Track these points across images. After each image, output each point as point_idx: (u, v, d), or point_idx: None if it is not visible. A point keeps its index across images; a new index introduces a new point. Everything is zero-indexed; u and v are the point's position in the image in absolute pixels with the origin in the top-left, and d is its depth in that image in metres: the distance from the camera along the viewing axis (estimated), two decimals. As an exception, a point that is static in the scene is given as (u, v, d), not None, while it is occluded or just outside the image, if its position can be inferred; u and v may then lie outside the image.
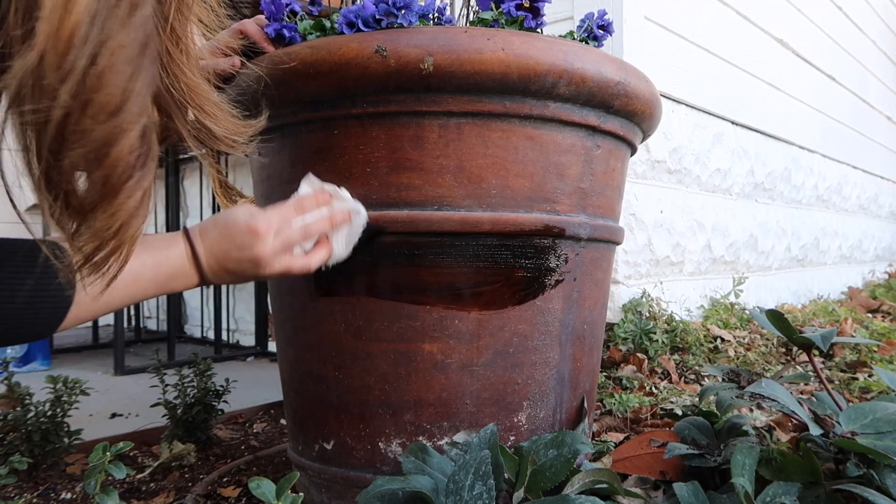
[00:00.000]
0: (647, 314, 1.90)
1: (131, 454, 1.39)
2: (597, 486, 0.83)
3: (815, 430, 0.88)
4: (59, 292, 0.70)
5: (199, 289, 3.12)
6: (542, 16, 0.96)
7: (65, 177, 0.54)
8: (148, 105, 0.55)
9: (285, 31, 0.92)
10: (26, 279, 0.69)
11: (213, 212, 2.88)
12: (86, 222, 0.57)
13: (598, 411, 1.40)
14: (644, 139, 1.09)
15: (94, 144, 0.52)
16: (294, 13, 0.95)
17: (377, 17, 0.87)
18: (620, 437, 1.23)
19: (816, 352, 1.02)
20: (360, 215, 0.87)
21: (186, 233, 0.82)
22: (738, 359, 1.82)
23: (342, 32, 0.88)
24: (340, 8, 0.92)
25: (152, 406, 1.39)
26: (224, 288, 2.89)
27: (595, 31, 1.03)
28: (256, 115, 0.92)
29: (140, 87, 0.53)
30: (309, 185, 0.88)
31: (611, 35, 1.05)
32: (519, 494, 0.77)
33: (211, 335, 3.00)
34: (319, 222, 0.85)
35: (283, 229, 0.83)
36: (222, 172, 2.64)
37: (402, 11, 0.87)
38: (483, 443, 0.82)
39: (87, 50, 0.48)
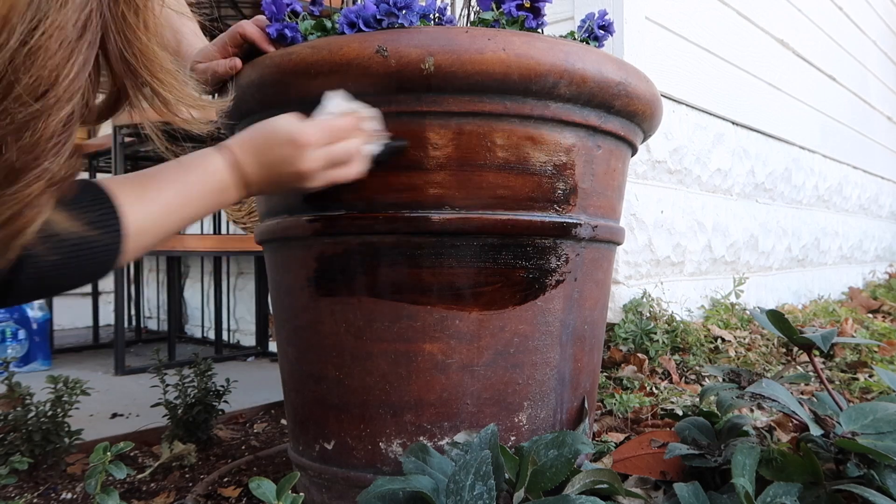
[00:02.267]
0: (648, 314, 1.90)
1: (132, 454, 1.40)
2: (597, 487, 0.83)
3: (815, 431, 0.88)
4: (113, 220, 0.70)
5: (199, 289, 3.12)
6: (543, 16, 0.96)
7: None
8: (79, 89, 0.53)
9: (287, 31, 0.92)
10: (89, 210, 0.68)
11: (214, 212, 2.88)
12: None
13: (599, 411, 1.40)
14: (645, 139, 1.09)
15: (11, 128, 0.49)
16: (295, 13, 0.95)
17: (378, 17, 0.87)
18: (621, 437, 1.23)
19: (817, 352, 1.02)
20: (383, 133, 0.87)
21: (227, 147, 0.81)
22: (738, 359, 1.82)
23: (343, 32, 0.88)
24: (342, 8, 0.92)
25: (153, 406, 1.39)
26: (225, 288, 2.89)
27: (596, 31, 1.03)
28: (258, 115, 0.92)
29: (72, 71, 0.51)
30: (336, 104, 0.86)
31: (611, 35, 1.05)
32: (519, 494, 0.77)
33: (211, 335, 3.00)
34: (357, 141, 0.85)
35: (327, 145, 0.82)
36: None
37: (404, 11, 0.87)
38: (484, 443, 0.82)
39: (21, 28, 0.46)
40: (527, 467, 0.79)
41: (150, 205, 0.74)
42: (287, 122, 0.82)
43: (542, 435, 0.88)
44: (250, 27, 0.94)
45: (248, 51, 0.95)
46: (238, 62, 0.94)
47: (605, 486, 0.83)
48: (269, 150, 0.81)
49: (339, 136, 0.84)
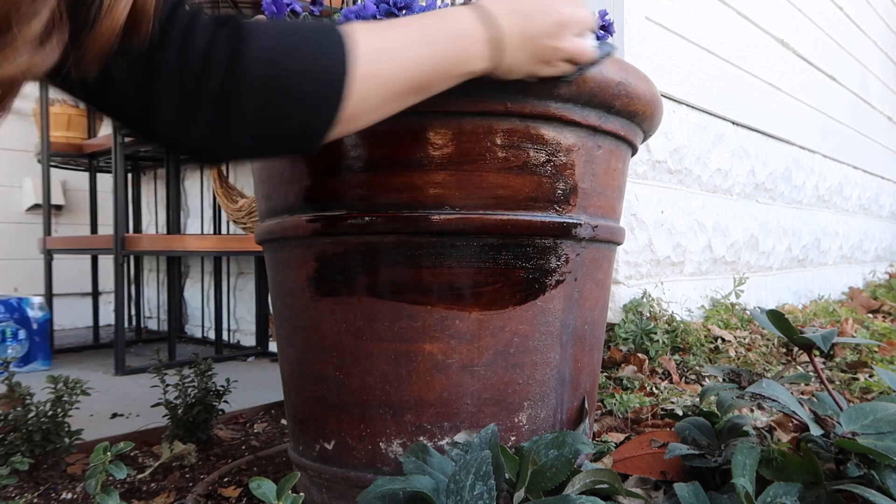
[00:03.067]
0: (648, 314, 1.90)
1: (132, 454, 1.40)
2: (598, 487, 0.83)
3: (815, 431, 0.88)
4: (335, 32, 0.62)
5: (199, 289, 3.12)
6: (543, 16, 0.96)
7: None
8: None
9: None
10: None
11: (214, 212, 2.88)
12: None
13: (599, 411, 1.40)
14: (645, 139, 1.09)
15: None
16: (295, 13, 0.95)
17: (378, 17, 0.87)
18: (621, 437, 1.23)
19: (817, 352, 1.02)
20: None
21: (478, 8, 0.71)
22: (738, 359, 1.82)
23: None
24: (342, 8, 0.92)
25: (153, 406, 1.39)
26: (225, 288, 2.89)
27: (596, 31, 1.03)
28: None
29: None
30: None
31: (612, 35, 1.05)
32: (520, 494, 0.77)
33: (212, 335, 3.00)
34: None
35: (578, 11, 0.76)
36: (223, 172, 2.64)
37: (403, 12, 0.87)
38: (484, 443, 0.82)
39: None
40: (527, 467, 0.79)
41: (388, 31, 0.65)
42: None
43: (543, 435, 0.88)
44: None
45: None
46: None
47: (606, 486, 0.83)
48: (535, 8, 0.72)
49: (580, 8, 0.76)
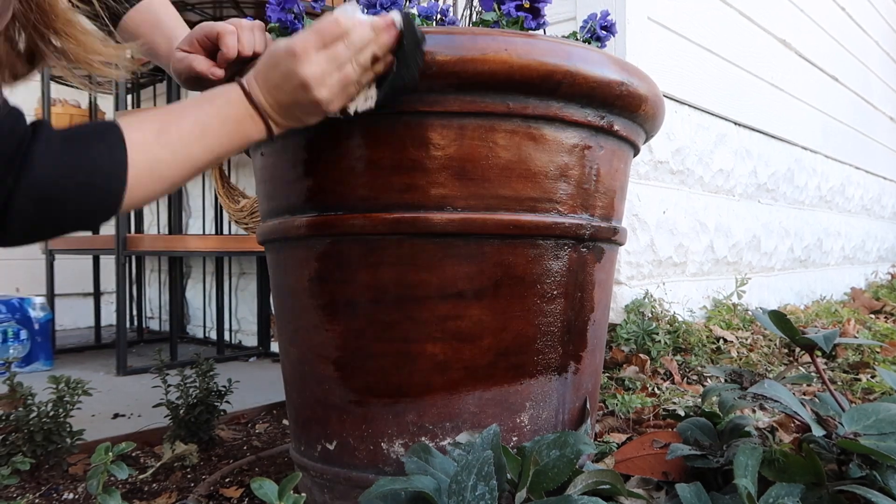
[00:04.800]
0: (650, 315, 1.90)
1: (133, 454, 1.40)
2: (600, 487, 0.83)
3: (817, 431, 0.88)
4: (114, 135, 0.70)
5: (201, 289, 3.12)
6: (543, 16, 0.96)
7: None
8: None
9: (289, 23, 0.93)
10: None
11: (216, 213, 2.88)
12: None
13: (601, 412, 1.40)
14: (647, 140, 1.09)
15: None
16: (296, 17, 0.95)
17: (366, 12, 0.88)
18: (623, 437, 1.23)
19: (819, 353, 1.02)
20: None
21: (242, 78, 0.80)
22: (740, 360, 1.82)
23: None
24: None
25: (155, 406, 1.39)
26: (227, 288, 2.89)
27: (598, 31, 1.03)
28: None
29: None
30: (341, 11, 0.80)
31: (613, 36, 1.05)
32: (521, 494, 0.77)
33: (213, 335, 3.00)
34: (369, 48, 0.80)
35: (325, 48, 0.78)
36: (225, 173, 2.64)
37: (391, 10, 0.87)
38: (486, 443, 0.82)
39: None
40: (529, 467, 0.79)
41: (166, 134, 0.73)
42: (283, 39, 0.80)
43: (545, 435, 0.88)
44: (224, 33, 0.89)
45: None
46: (221, 72, 0.90)
47: (608, 486, 0.83)
48: (272, 69, 0.79)
49: (336, 37, 0.78)
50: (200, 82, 0.92)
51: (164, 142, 0.73)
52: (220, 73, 0.90)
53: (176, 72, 0.95)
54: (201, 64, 0.91)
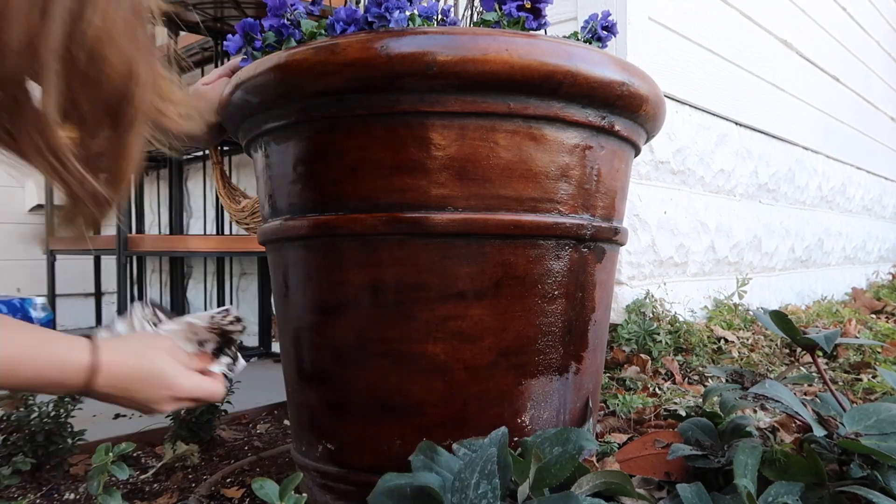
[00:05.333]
0: (651, 315, 1.90)
1: (134, 455, 1.40)
2: (610, 488, 0.82)
3: (818, 431, 0.88)
4: None
5: (202, 290, 3.12)
6: (544, 17, 0.96)
7: None
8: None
9: (283, 29, 0.93)
10: None
11: (217, 212, 2.89)
12: None
13: (602, 412, 1.40)
14: (648, 140, 1.09)
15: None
16: (294, 23, 0.95)
17: (369, 19, 0.88)
18: (624, 437, 1.23)
19: (820, 353, 1.02)
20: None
21: (98, 344, 0.75)
22: (741, 360, 1.82)
23: (344, 31, 0.88)
24: (344, 7, 0.92)
25: (156, 406, 1.39)
26: (228, 289, 2.90)
27: (599, 31, 1.03)
28: (259, 116, 0.92)
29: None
30: (146, 319, 0.84)
31: (615, 36, 1.05)
32: (524, 489, 0.77)
33: (214, 336, 3.00)
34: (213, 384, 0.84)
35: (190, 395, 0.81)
36: (226, 173, 2.65)
37: (397, 12, 0.87)
38: (493, 442, 0.82)
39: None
40: (530, 460, 0.79)
41: None
42: (166, 364, 0.79)
43: (545, 430, 0.87)
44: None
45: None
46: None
47: (616, 486, 0.82)
48: (139, 381, 0.77)
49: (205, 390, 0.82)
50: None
51: None
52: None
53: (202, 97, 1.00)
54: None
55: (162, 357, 0.79)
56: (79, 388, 0.73)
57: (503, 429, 0.83)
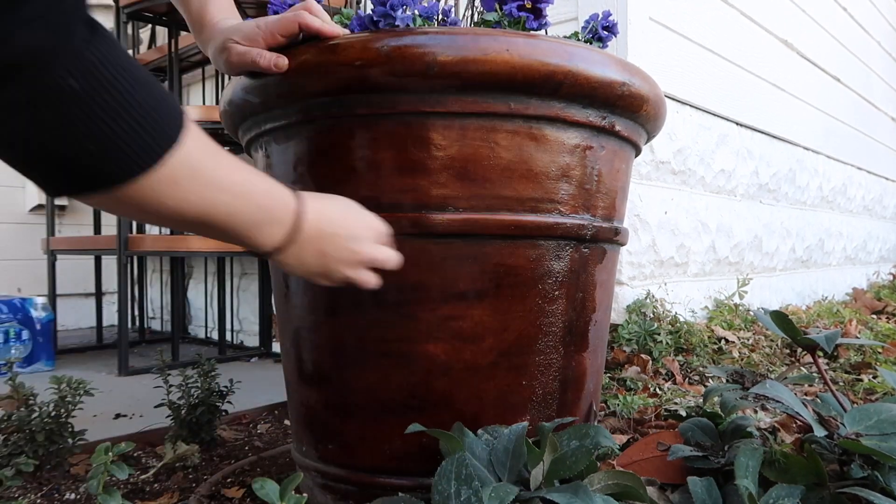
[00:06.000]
0: (652, 315, 1.90)
1: (135, 455, 1.40)
2: (624, 491, 0.82)
3: (819, 432, 0.88)
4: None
5: (203, 290, 3.12)
6: (544, 17, 0.96)
7: None
8: None
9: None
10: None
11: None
12: None
13: (603, 412, 1.40)
14: (648, 140, 1.09)
15: None
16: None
17: (374, 19, 0.88)
18: (625, 438, 1.23)
19: (821, 353, 1.02)
20: None
21: (303, 194, 0.74)
22: (742, 360, 1.82)
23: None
24: (342, 8, 0.92)
25: (156, 407, 1.39)
26: (228, 289, 2.90)
27: (600, 32, 1.03)
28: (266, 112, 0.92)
29: None
30: None
31: (615, 36, 1.05)
32: (536, 475, 0.77)
33: (215, 336, 3.00)
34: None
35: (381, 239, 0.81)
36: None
37: (401, 9, 0.88)
38: (513, 433, 0.82)
39: None
40: (545, 447, 0.79)
41: (219, 161, 0.63)
42: (368, 215, 0.81)
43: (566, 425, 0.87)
44: (312, 19, 0.85)
45: (296, 45, 0.89)
46: (285, 62, 0.86)
47: (630, 489, 0.82)
48: (344, 218, 0.78)
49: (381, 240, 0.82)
50: (255, 74, 0.89)
51: (213, 163, 0.63)
52: (284, 63, 0.86)
53: (229, 63, 0.89)
54: (266, 59, 0.86)
55: (363, 211, 0.81)
56: (287, 226, 0.72)
57: (524, 423, 0.83)
